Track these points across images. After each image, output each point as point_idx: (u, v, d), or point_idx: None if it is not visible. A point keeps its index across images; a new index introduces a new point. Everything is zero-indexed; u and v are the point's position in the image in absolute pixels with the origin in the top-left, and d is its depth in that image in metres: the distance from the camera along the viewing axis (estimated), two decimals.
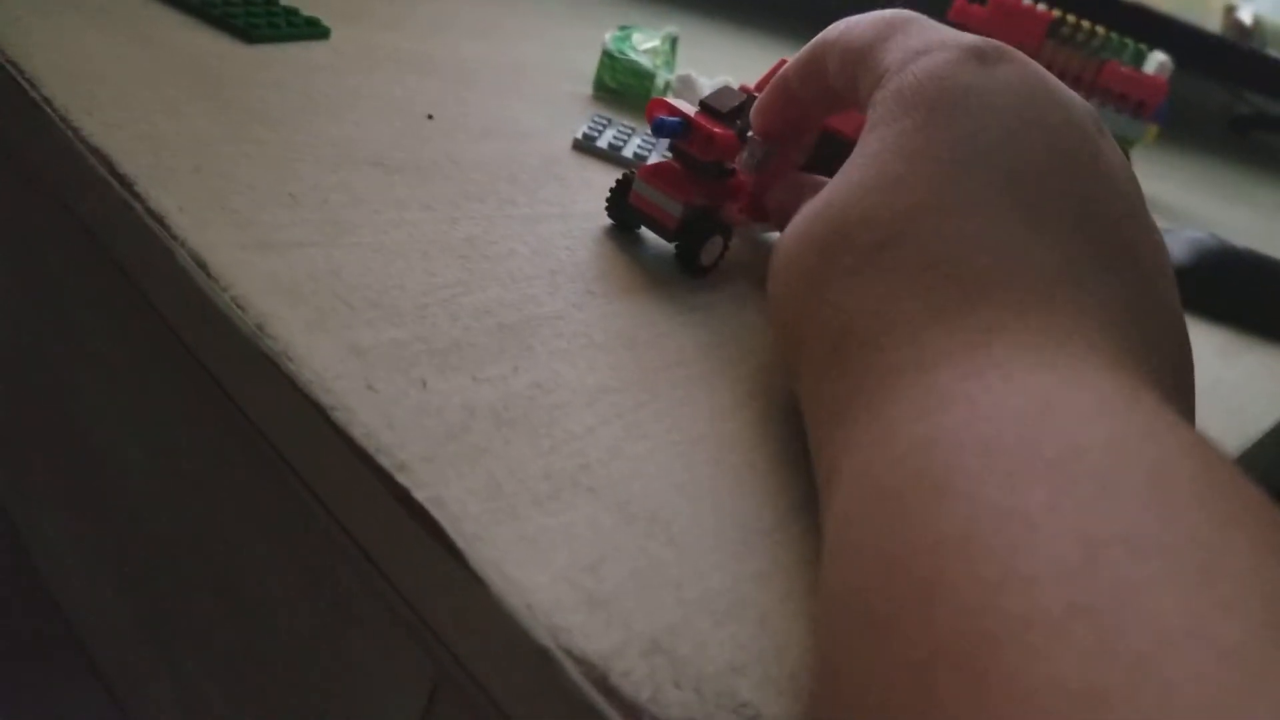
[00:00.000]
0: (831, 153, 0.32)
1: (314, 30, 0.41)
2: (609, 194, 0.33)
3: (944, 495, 0.15)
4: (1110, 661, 0.11)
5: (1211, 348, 0.45)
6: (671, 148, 0.32)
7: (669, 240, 0.32)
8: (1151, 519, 0.13)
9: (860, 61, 0.25)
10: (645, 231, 0.34)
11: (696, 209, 0.31)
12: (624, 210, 0.33)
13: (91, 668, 0.39)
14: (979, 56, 0.23)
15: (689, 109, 0.31)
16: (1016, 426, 0.15)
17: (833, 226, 0.22)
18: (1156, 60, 0.68)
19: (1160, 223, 0.64)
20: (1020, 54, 0.23)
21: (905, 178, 0.21)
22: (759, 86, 0.35)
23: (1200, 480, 0.14)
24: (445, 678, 0.23)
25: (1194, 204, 0.74)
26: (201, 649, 0.32)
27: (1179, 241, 0.52)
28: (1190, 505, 0.13)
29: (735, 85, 0.34)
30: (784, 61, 0.34)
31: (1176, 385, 0.21)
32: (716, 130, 0.30)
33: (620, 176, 0.33)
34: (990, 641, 0.12)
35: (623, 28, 0.50)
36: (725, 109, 0.31)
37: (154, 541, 0.33)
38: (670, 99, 0.31)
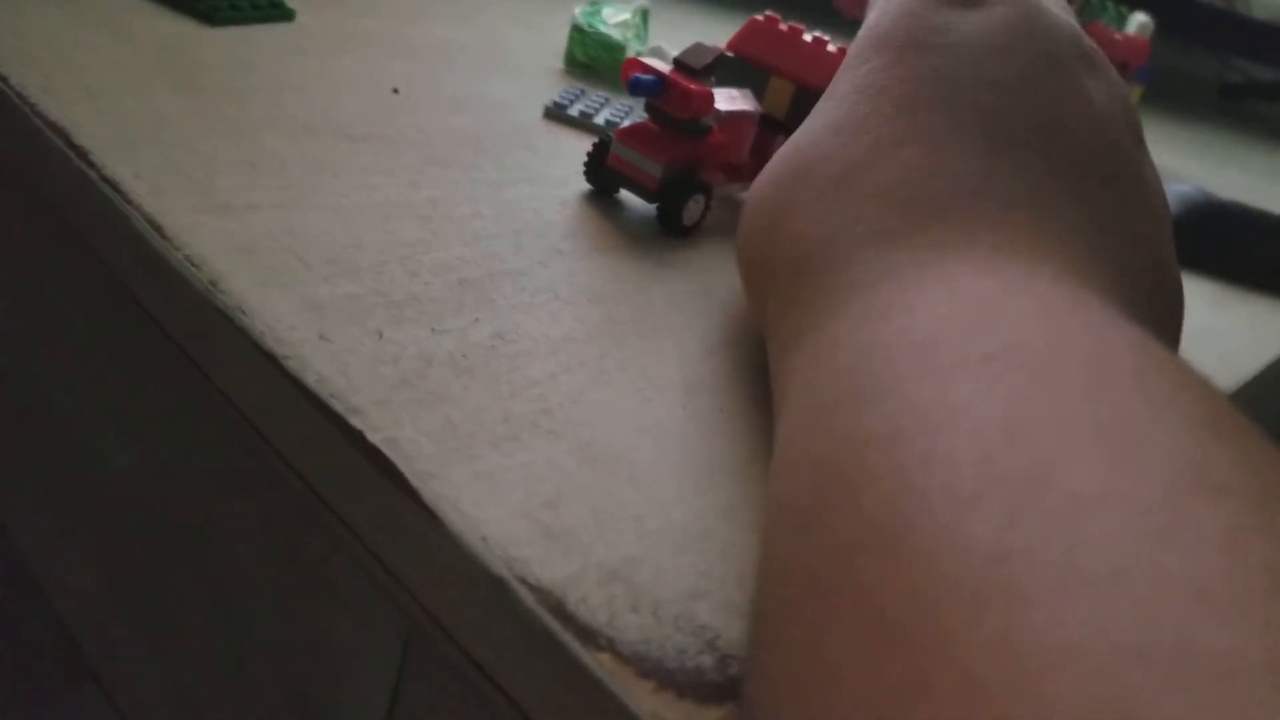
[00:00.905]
0: (809, 108, 0.32)
1: (278, 12, 0.41)
2: (586, 158, 0.33)
3: (875, 397, 0.15)
4: (1019, 526, 0.11)
5: (1201, 299, 0.44)
6: (648, 108, 0.31)
7: (650, 201, 0.32)
8: (1081, 402, 0.13)
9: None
10: (622, 194, 0.34)
11: (677, 168, 0.31)
12: (602, 174, 0.33)
13: (91, 674, 0.39)
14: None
15: (664, 67, 0.31)
16: (952, 328, 0.15)
17: (797, 165, 0.22)
18: (1137, 21, 0.67)
19: None
20: None
21: (869, 115, 0.21)
22: (730, 46, 0.35)
23: (1138, 367, 0.14)
24: (416, 633, 0.23)
25: (1184, 167, 0.74)
26: (186, 635, 0.32)
27: (1168, 195, 0.51)
28: (1123, 388, 0.13)
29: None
30: (754, 20, 0.34)
31: (1155, 319, 0.20)
32: (693, 87, 0.30)
33: (596, 141, 0.33)
34: (907, 521, 0.12)
35: (593, 2, 0.50)
36: (699, 66, 0.30)
37: (130, 522, 0.33)
38: (647, 60, 0.31)
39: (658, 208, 0.32)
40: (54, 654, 0.61)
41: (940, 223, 0.19)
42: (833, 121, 0.22)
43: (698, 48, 0.31)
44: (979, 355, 0.14)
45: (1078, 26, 0.23)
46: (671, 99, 0.30)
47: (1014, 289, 0.16)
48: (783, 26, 0.34)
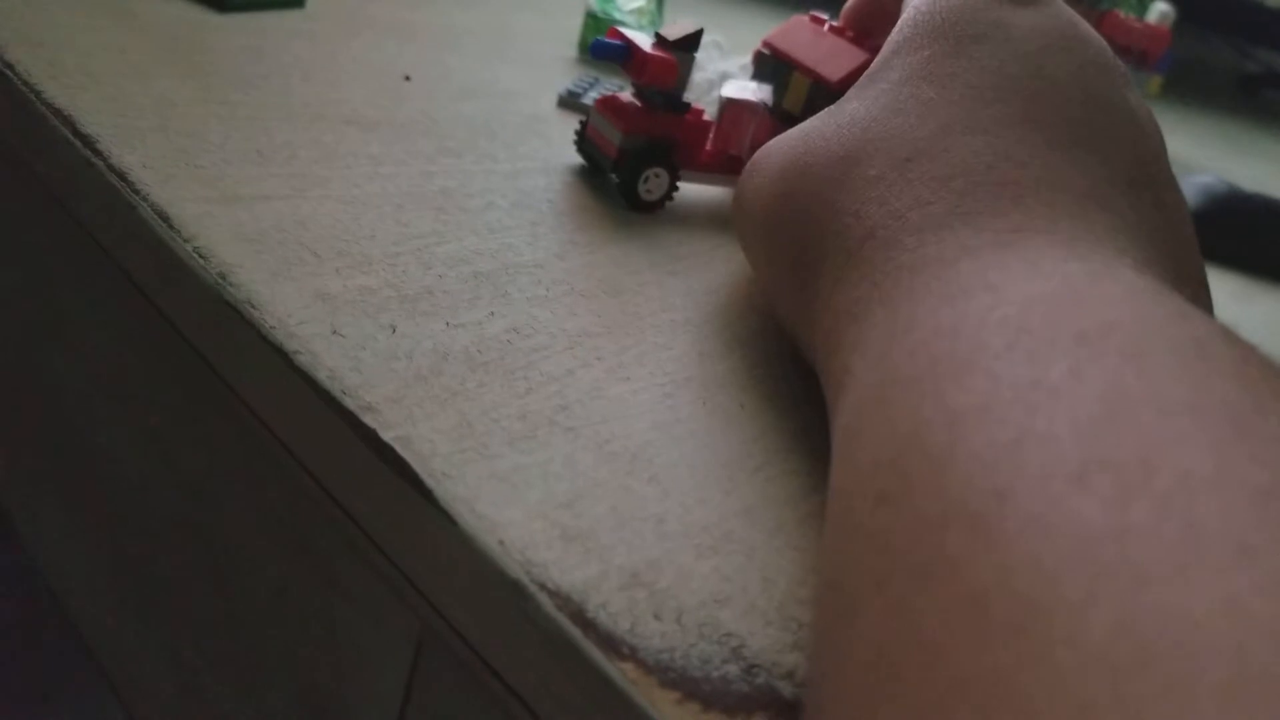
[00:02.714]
0: (823, 104, 0.31)
1: None
2: (576, 130, 0.33)
3: (964, 372, 0.14)
4: (1133, 503, 0.11)
5: (1226, 291, 0.44)
6: (633, 83, 0.31)
7: (610, 171, 0.31)
8: (1181, 384, 0.12)
9: None
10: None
11: (639, 138, 0.30)
12: (585, 145, 0.33)
13: (85, 652, 0.38)
14: None
15: (642, 39, 0.30)
16: (1042, 308, 0.15)
17: (855, 142, 0.22)
18: (1159, 10, 0.66)
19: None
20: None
21: (935, 101, 0.21)
22: (765, 41, 0.33)
23: (1233, 356, 0.13)
24: (429, 632, 0.22)
25: (1203, 156, 0.73)
26: (192, 630, 0.32)
27: (1189, 187, 0.50)
28: (1223, 374, 0.13)
29: (722, 44, 0.33)
30: (798, 18, 0.33)
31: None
32: (652, 53, 0.29)
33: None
34: (1003, 496, 0.12)
35: None
36: (674, 38, 0.30)
37: (138, 516, 0.32)
38: (625, 30, 0.30)
39: (616, 179, 0.31)
40: (59, 646, 0.61)
41: (1018, 208, 0.19)
42: (891, 104, 0.22)
43: (687, 24, 0.31)
44: (1071, 335, 0.14)
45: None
46: (632, 65, 0.30)
47: (1100, 274, 0.16)
48: (824, 25, 0.33)
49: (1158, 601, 0.10)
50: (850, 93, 0.23)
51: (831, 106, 0.24)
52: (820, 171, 0.22)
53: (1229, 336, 0.14)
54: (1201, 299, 0.21)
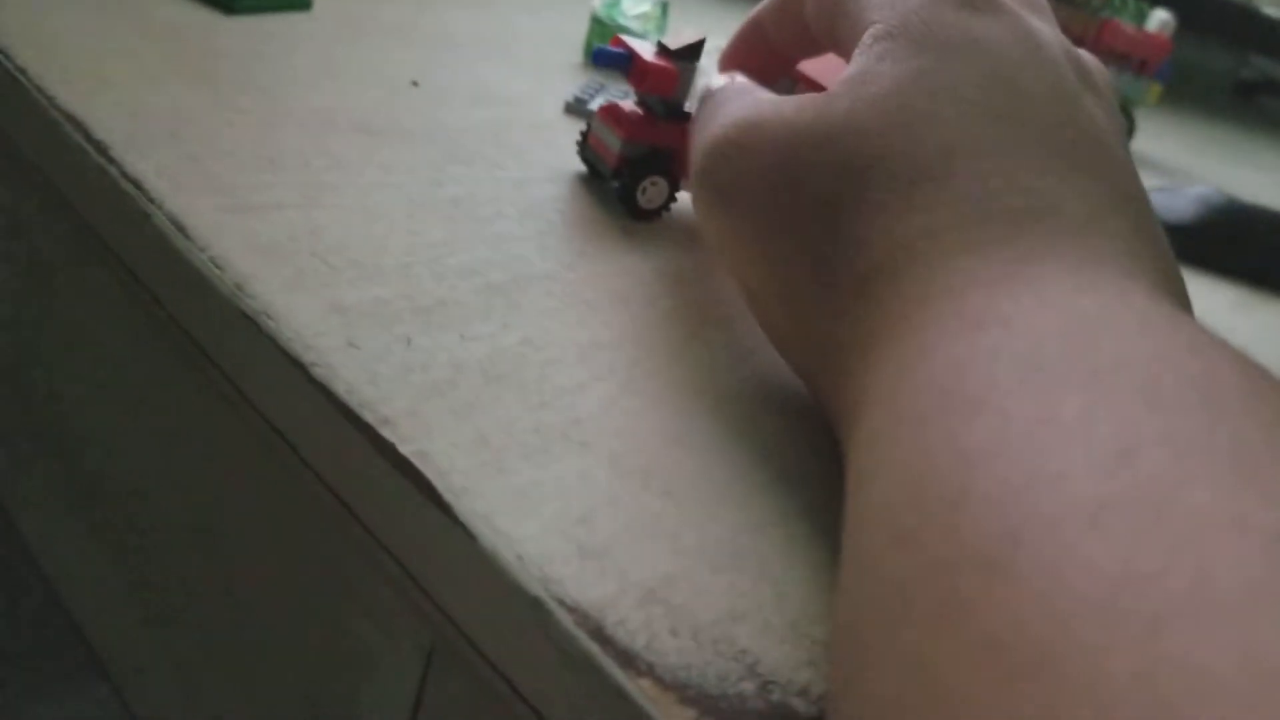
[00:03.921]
0: None
1: (295, 1, 0.41)
2: (579, 137, 0.33)
3: (976, 410, 0.14)
4: (1146, 548, 0.11)
5: (1225, 302, 0.44)
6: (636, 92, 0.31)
7: (611, 179, 0.31)
8: (1193, 423, 0.13)
9: (841, 2, 0.24)
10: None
11: (639, 146, 0.30)
12: (587, 153, 0.33)
13: (92, 657, 0.38)
14: (969, 3, 0.22)
15: (644, 47, 0.30)
16: (1055, 343, 0.15)
17: (853, 153, 0.21)
18: (1159, 19, 0.66)
19: (1166, 181, 0.63)
20: (1006, 2, 0.23)
21: (933, 115, 0.20)
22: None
23: (1246, 390, 0.13)
24: (441, 642, 0.22)
25: (1199, 165, 0.73)
26: (198, 634, 0.32)
27: (1186, 198, 0.51)
28: (1235, 412, 0.13)
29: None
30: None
31: None
32: (652, 62, 0.29)
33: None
34: (1015, 538, 0.12)
35: None
36: (676, 47, 0.30)
37: (146, 521, 0.33)
38: (627, 39, 0.30)
39: (616, 186, 0.31)
40: (63, 649, 0.61)
41: (1025, 236, 0.19)
42: (885, 115, 0.21)
43: (686, 35, 0.31)
44: (1084, 371, 0.14)
45: (1063, 36, 0.23)
46: (633, 74, 0.30)
47: (1112, 304, 0.16)
48: None
49: (1173, 651, 0.10)
50: (839, 90, 0.22)
51: (817, 99, 0.22)
52: (817, 187, 0.21)
53: (1241, 364, 0.14)
54: (1187, 310, 0.21)
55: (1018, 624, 0.11)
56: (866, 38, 0.23)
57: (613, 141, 0.31)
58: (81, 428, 0.35)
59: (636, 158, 0.30)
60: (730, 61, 0.30)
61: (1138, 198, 0.21)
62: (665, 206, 0.31)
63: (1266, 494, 0.11)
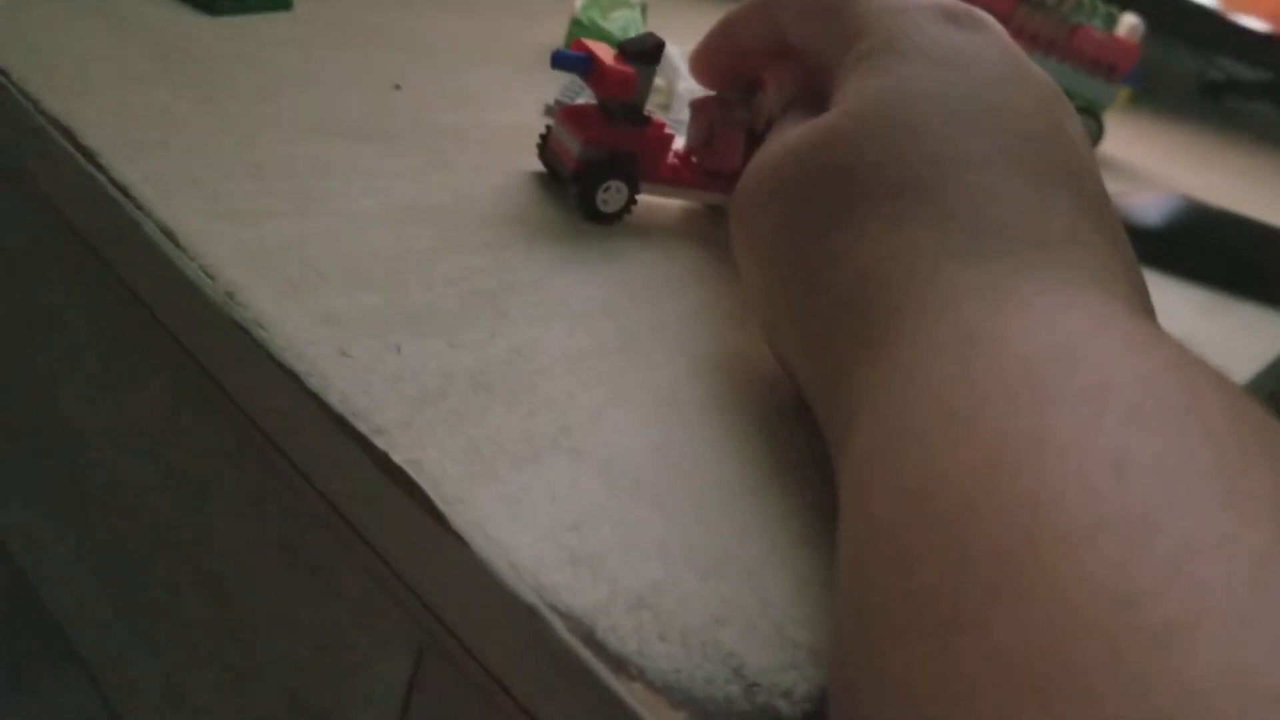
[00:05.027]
0: None
1: (276, 2, 0.41)
2: (539, 139, 0.33)
3: (971, 428, 0.15)
4: (1140, 567, 0.11)
5: (1190, 306, 0.45)
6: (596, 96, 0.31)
7: (570, 183, 0.31)
8: (1179, 446, 0.13)
9: (828, 12, 0.25)
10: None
11: (598, 149, 0.30)
12: (547, 154, 0.33)
13: (75, 659, 0.38)
14: (953, 18, 0.23)
15: (603, 50, 0.30)
16: (1045, 363, 0.15)
17: (838, 168, 0.21)
18: (1128, 23, 0.68)
19: (1133, 184, 0.64)
20: (990, 19, 0.24)
21: (916, 126, 0.21)
22: None
23: (1227, 413, 0.14)
24: (430, 643, 0.23)
25: (1167, 168, 0.75)
26: (181, 634, 0.32)
27: (1152, 202, 0.52)
28: (1217, 435, 0.14)
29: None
30: None
31: None
32: (610, 65, 0.29)
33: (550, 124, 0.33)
34: (1017, 559, 0.12)
35: None
36: (634, 50, 0.30)
37: (130, 523, 0.33)
38: (587, 41, 0.30)
39: (574, 191, 0.31)
40: (43, 646, 0.61)
41: (1012, 250, 0.19)
42: (874, 127, 0.21)
43: (648, 36, 0.31)
44: (1075, 391, 0.14)
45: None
46: (593, 77, 0.30)
47: (1098, 321, 0.17)
48: None
49: (1168, 669, 0.10)
50: (833, 108, 0.22)
51: (814, 120, 0.23)
52: (811, 201, 0.22)
53: (1219, 382, 0.15)
54: (1150, 316, 0.22)
55: (1021, 642, 0.12)
56: (849, 59, 0.23)
57: (572, 144, 0.31)
58: (71, 431, 0.35)
59: (595, 161, 0.30)
60: (700, 61, 0.31)
61: (1110, 211, 0.22)
62: (625, 210, 0.31)
63: (1247, 515, 0.12)
